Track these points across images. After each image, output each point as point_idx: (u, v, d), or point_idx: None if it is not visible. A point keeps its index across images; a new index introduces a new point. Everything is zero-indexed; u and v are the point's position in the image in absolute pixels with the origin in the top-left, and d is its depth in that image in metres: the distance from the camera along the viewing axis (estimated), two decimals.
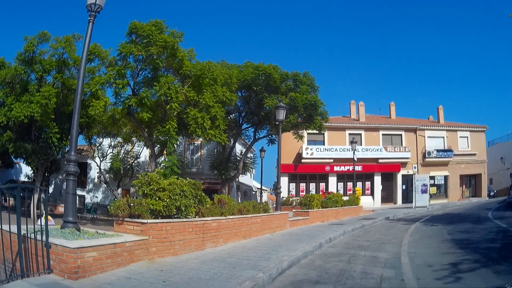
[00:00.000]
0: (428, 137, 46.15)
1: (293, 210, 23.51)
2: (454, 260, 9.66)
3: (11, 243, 7.36)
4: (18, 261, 7.02)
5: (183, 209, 10.68)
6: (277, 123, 21.68)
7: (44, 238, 7.23)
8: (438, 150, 45.23)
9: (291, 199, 30.86)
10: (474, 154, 46.92)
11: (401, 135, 45.79)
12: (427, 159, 45.14)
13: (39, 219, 9.32)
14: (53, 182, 37.60)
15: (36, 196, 24.06)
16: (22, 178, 40.05)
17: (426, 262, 9.80)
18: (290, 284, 7.94)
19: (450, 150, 45.53)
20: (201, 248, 11.02)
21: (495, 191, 51.21)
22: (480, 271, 8.41)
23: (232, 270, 8.43)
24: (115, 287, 6.75)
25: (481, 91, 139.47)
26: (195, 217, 11.36)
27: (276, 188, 21.23)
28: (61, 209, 15.75)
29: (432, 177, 44.10)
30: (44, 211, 8.02)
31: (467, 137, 47.58)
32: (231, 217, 13.09)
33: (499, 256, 10.20)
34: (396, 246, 12.90)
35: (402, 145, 44.94)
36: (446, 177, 46.38)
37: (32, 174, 32.59)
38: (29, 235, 7.21)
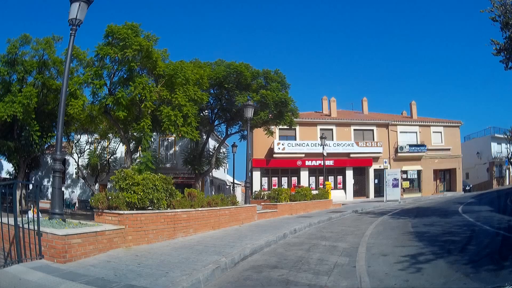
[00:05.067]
0: (400, 132, 46.69)
1: (262, 203, 23.99)
2: (410, 251, 9.94)
3: (3, 233, 8.14)
4: (13, 249, 7.79)
5: (155, 201, 11.44)
6: (246, 119, 22.24)
7: (36, 228, 7.90)
8: (410, 145, 45.79)
9: (262, 193, 31.46)
10: (448, 149, 47.67)
11: (372, 130, 46.31)
12: (399, 154, 45.74)
13: (26, 213, 10.29)
14: (33, 179, 37.55)
15: (19, 192, 24.47)
16: (4, 175, 40.06)
17: (382, 252, 10.15)
18: (250, 268, 8.59)
19: (423, 145, 46.15)
20: (173, 237, 11.71)
21: (471, 186, 52.03)
22: (435, 262, 8.67)
23: (199, 255, 9.15)
24: (97, 268, 7.52)
25: (457, 87, 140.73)
26: (167, 209, 12.12)
27: (246, 182, 21.65)
28: (41, 204, 16.58)
29: (404, 172, 45.01)
30: (36, 205, 8.85)
31: (441, 132, 48.27)
32: (200, 209, 13.70)
33: (455, 248, 10.36)
34: (357, 237, 13.23)
35: (374, 140, 45.53)
36: (419, 172, 47.04)
37: (14, 171, 32.69)
38: (22, 225, 7.86)
